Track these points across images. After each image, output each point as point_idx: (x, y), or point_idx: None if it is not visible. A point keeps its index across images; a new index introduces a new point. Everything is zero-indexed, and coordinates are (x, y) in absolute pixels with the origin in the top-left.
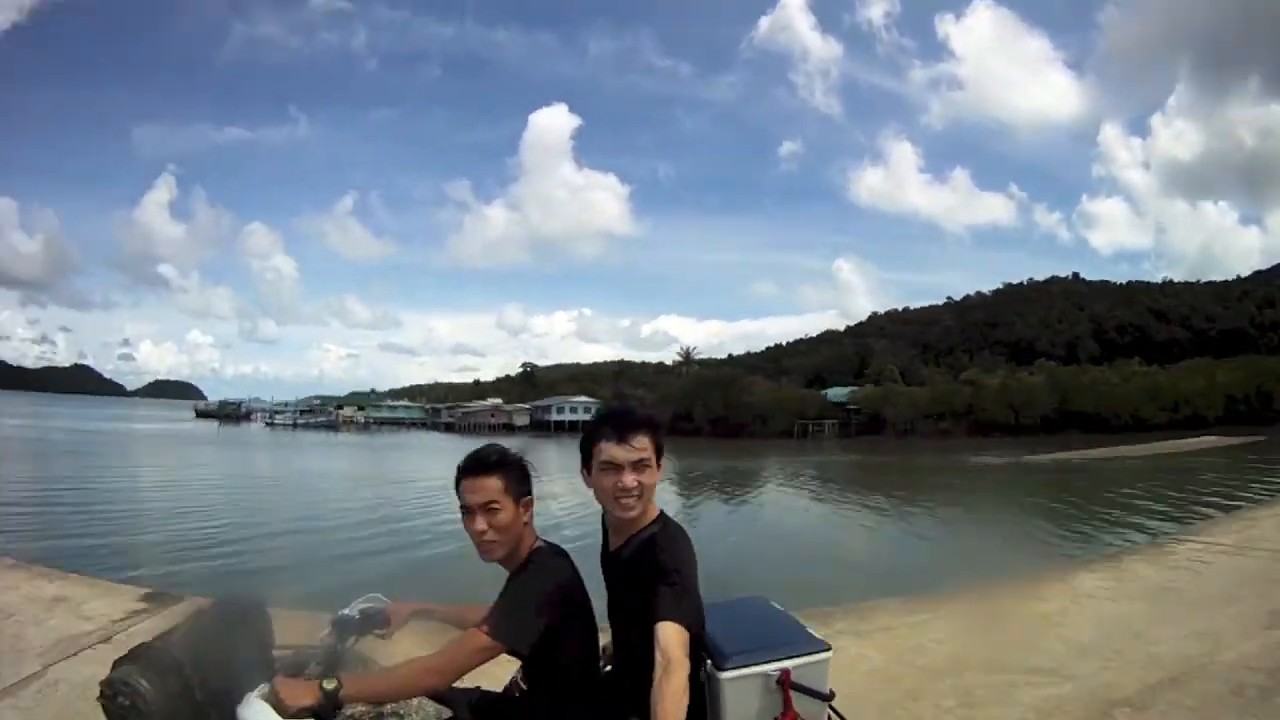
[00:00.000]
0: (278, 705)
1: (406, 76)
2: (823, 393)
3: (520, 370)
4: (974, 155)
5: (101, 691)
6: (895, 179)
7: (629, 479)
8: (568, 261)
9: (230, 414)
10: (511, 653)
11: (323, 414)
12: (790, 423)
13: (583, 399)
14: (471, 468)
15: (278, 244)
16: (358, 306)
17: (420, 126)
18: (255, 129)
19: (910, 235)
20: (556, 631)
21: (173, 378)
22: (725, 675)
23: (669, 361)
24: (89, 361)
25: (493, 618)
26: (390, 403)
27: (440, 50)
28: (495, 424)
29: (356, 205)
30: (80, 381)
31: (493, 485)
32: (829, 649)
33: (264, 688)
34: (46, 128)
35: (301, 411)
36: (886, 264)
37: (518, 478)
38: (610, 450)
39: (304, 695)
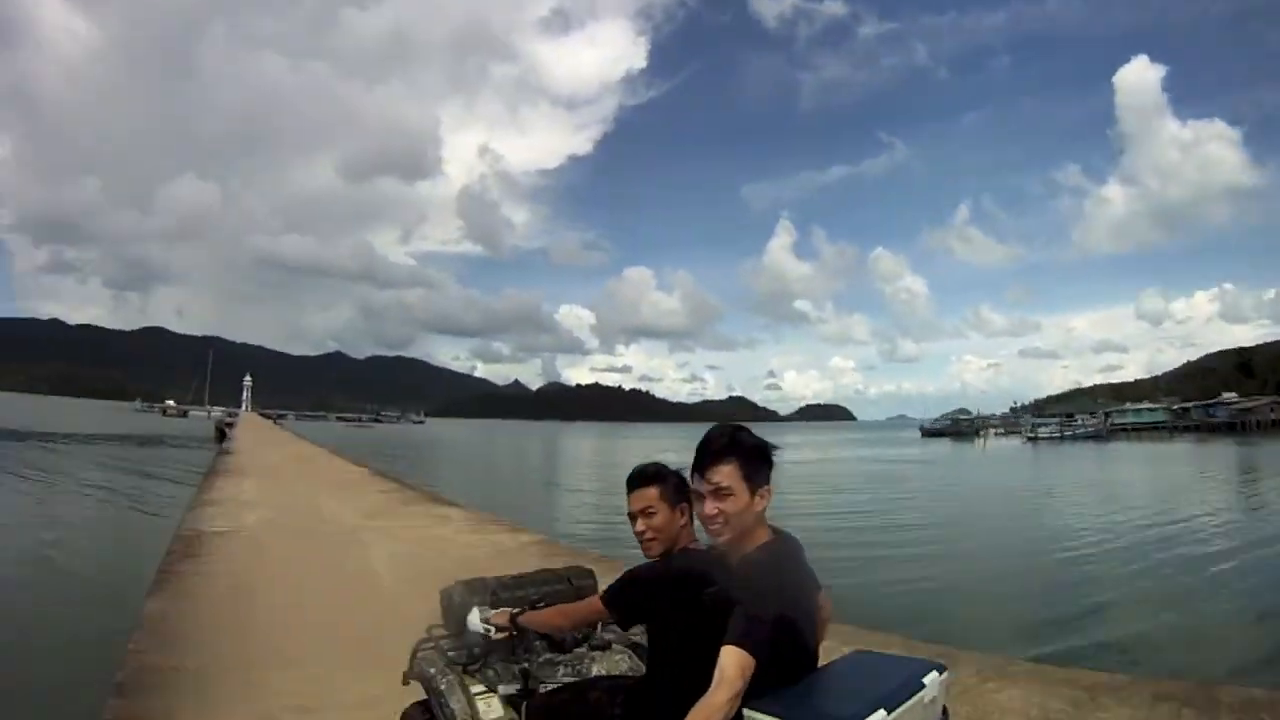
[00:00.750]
0: (488, 621)
1: (978, 74)
2: None
3: (1229, 351)
4: None
5: (441, 596)
6: None
7: (709, 507)
8: (1197, 230)
9: (963, 431)
10: (619, 622)
11: (1082, 425)
12: None
13: None
14: (632, 481)
15: (904, 265)
16: (993, 315)
17: (1010, 119)
18: (856, 163)
19: None
20: (660, 615)
21: (813, 402)
22: None
23: None
24: (738, 394)
25: (611, 585)
26: (1132, 406)
27: (998, 38)
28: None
29: (971, 212)
30: (735, 412)
31: (650, 494)
32: None
33: (486, 610)
34: (666, 206)
35: (1061, 422)
36: None
37: (674, 486)
38: (694, 482)
39: (500, 617)
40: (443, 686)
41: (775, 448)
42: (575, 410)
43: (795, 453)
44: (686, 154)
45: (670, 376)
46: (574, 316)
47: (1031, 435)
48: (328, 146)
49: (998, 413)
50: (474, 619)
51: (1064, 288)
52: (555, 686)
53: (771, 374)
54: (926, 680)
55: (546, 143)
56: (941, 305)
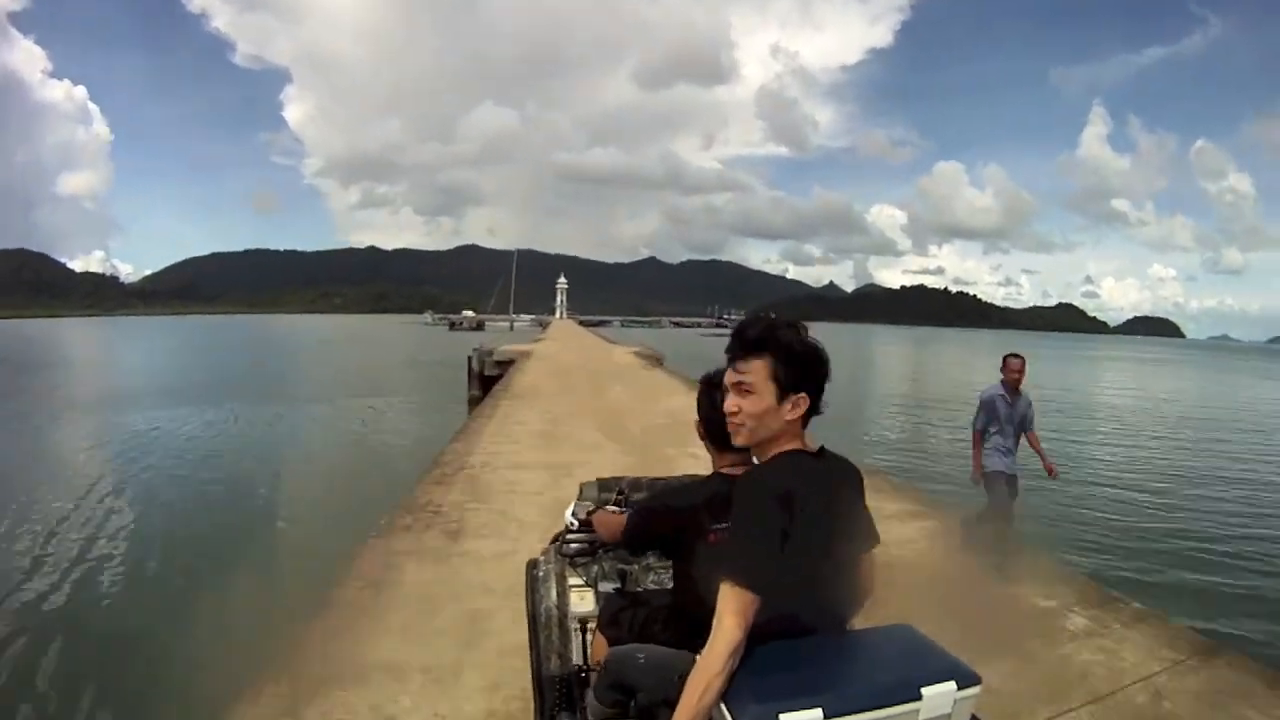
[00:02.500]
0: (575, 515)
1: None
2: None
3: None
4: None
5: (580, 489)
6: None
7: (729, 402)
8: None
9: None
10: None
11: None
12: None
13: None
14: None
15: (1228, 161)
16: None
17: None
18: (1174, 42)
19: None
20: (674, 547)
21: (1136, 314)
22: None
23: None
24: (1052, 300)
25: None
26: None
27: None
28: None
29: None
30: (1063, 320)
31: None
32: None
33: (586, 504)
34: (973, 95)
35: None
36: None
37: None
38: (726, 372)
39: (582, 511)
40: (540, 574)
41: (823, 352)
42: (897, 313)
43: None
44: (989, 38)
45: (984, 280)
46: (885, 216)
47: None
48: (621, 59)
49: None
50: (569, 511)
51: None
52: (635, 591)
53: (1089, 280)
54: (928, 691)
55: (843, 37)
56: (1269, 208)
